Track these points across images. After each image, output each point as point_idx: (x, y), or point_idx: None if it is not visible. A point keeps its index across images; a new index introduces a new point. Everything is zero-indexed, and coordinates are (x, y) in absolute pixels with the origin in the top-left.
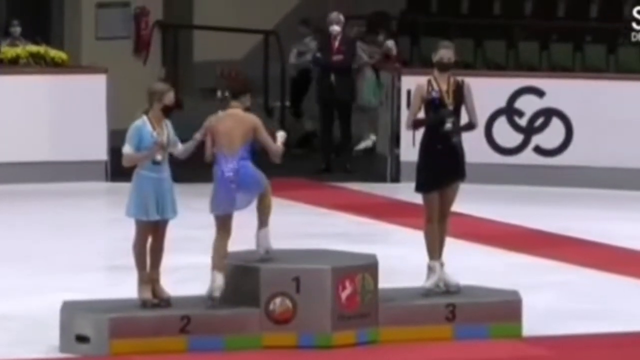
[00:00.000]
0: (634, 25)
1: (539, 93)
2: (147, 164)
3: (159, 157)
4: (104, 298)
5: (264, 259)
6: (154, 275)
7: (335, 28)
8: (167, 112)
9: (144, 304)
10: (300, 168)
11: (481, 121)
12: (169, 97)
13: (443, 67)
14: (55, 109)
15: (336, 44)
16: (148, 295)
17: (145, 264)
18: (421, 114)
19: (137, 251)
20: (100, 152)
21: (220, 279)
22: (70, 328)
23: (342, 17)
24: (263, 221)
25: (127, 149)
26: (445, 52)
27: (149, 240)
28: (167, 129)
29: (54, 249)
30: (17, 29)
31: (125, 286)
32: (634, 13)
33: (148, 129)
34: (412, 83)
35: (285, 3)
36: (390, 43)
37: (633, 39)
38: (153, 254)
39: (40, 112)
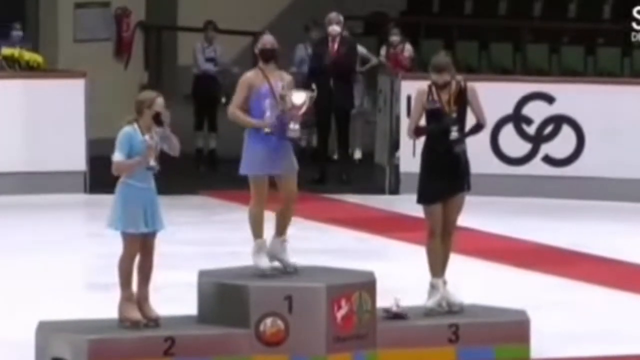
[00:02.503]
0: (634, 25)
1: (549, 99)
2: (134, 172)
3: (152, 163)
4: (82, 318)
5: (258, 275)
6: (143, 293)
7: (335, 28)
8: (158, 119)
9: (134, 325)
10: None
11: (487, 129)
12: (159, 104)
13: (438, 87)
14: (30, 116)
15: (335, 46)
16: (137, 314)
17: (131, 281)
18: (422, 122)
19: (125, 268)
20: (78, 162)
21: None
22: (47, 350)
23: (341, 17)
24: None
25: (117, 157)
26: (436, 77)
27: (137, 255)
28: (157, 138)
29: (29, 266)
30: None
31: (105, 305)
32: (634, 13)
33: (139, 137)
34: (412, 88)
35: (277, 2)
36: (409, 47)
37: (633, 39)
38: (142, 270)
39: (14, 119)
